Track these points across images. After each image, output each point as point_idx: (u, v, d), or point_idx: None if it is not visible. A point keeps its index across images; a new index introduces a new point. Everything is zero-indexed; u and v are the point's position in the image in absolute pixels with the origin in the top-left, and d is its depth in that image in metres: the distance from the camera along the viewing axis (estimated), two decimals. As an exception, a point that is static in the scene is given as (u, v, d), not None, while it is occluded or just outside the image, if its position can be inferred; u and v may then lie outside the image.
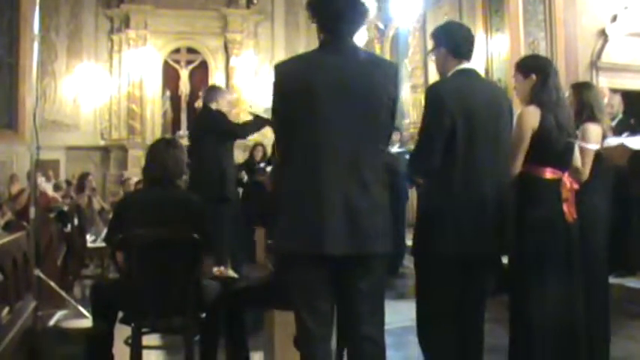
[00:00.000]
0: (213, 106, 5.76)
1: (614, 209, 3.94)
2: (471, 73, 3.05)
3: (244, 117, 12.91)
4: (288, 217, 2.45)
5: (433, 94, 2.95)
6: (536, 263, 3.11)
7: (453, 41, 3.05)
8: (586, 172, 3.59)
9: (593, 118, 3.70)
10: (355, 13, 2.51)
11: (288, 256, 2.49)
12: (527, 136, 3.14)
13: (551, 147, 3.15)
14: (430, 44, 3.21)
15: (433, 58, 3.14)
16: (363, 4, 2.55)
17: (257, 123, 5.70)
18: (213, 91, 6.01)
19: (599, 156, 3.67)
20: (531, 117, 3.14)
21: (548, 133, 3.13)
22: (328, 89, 2.40)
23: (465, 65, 3.02)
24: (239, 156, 9.79)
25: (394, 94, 2.51)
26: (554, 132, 3.13)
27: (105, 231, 7.60)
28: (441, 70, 3.09)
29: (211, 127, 5.63)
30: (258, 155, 8.88)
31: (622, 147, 3.98)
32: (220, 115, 5.73)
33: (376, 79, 2.47)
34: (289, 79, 2.48)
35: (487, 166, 2.90)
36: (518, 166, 3.18)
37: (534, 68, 3.29)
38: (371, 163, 2.44)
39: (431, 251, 2.91)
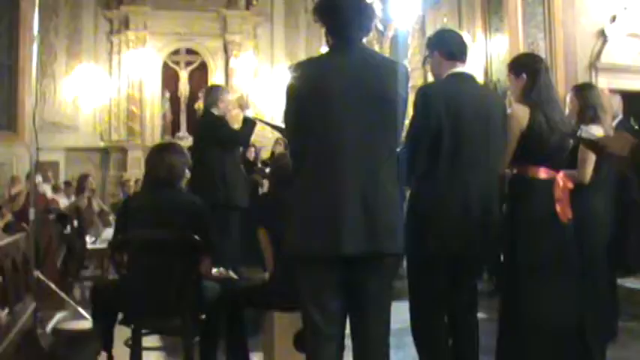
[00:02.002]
0: (215, 110, 5.65)
1: (616, 209, 3.93)
2: (464, 76, 3.09)
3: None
4: (304, 218, 2.47)
5: (421, 95, 3.00)
6: (528, 263, 3.11)
7: (446, 44, 3.12)
8: (587, 174, 3.58)
9: (596, 118, 3.69)
10: (363, 17, 2.54)
11: (302, 257, 2.49)
12: (515, 137, 3.15)
13: (542, 146, 3.15)
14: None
15: (428, 67, 3.19)
16: (371, 8, 2.59)
17: (248, 125, 5.65)
18: (213, 92, 5.86)
19: (601, 154, 3.65)
20: (519, 117, 3.15)
21: (538, 133, 3.13)
22: (341, 91, 2.43)
23: (460, 69, 3.08)
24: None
25: (405, 95, 2.55)
26: (545, 131, 3.13)
27: (104, 232, 7.65)
28: (436, 74, 3.15)
29: (215, 137, 5.53)
30: (251, 156, 8.89)
31: (624, 136, 3.93)
32: (220, 123, 5.62)
33: (387, 81, 2.50)
34: (303, 82, 2.51)
35: (474, 167, 2.94)
36: (504, 165, 3.20)
37: (524, 67, 3.30)
38: (385, 163, 2.48)
39: (418, 251, 2.94)
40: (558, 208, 3.17)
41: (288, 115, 2.57)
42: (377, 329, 2.52)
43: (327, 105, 2.43)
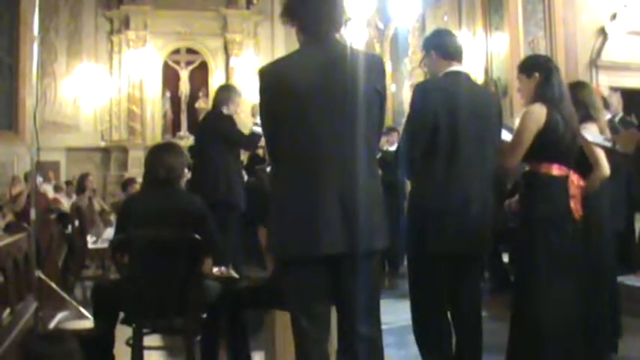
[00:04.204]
0: (225, 110, 5.61)
1: (625, 206, 3.91)
2: (460, 75, 3.12)
3: (245, 117, 12.92)
4: (283, 220, 2.43)
5: (418, 92, 3.03)
6: (544, 260, 3.11)
7: (441, 44, 3.16)
8: (604, 167, 3.56)
9: (589, 117, 3.69)
10: (335, 12, 2.50)
11: (284, 259, 2.48)
12: (531, 134, 3.14)
13: (558, 143, 3.16)
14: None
15: (426, 69, 3.21)
16: (341, 2, 2.56)
17: (255, 135, 5.64)
18: (227, 92, 5.81)
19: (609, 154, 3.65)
20: (537, 115, 3.15)
21: (555, 130, 3.13)
22: (314, 89, 2.38)
23: (456, 67, 3.10)
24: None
25: (381, 87, 2.50)
26: (561, 128, 3.14)
27: (105, 232, 7.65)
28: (433, 73, 3.18)
29: (219, 133, 5.50)
30: (261, 153, 8.91)
31: (633, 133, 3.91)
32: (229, 123, 5.59)
33: (362, 75, 2.43)
34: (274, 82, 2.45)
35: (471, 165, 2.95)
36: (514, 162, 3.20)
37: (537, 67, 3.31)
38: (364, 159, 2.43)
39: (418, 249, 2.94)
40: (573, 204, 3.18)
41: (263, 117, 2.54)
42: (366, 329, 2.48)
43: (300, 104, 2.39)
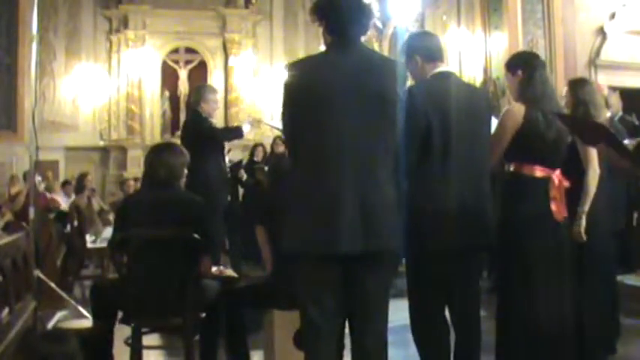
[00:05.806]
0: (202, 107, 5.73)
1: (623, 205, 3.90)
2: (447, 75, 3.12)
3: (243, 117, 12.94)
4: (301, 218, 2.47)
5: (408, 95, 2.99)
6: (523, 262, 3.10)
7: (424, 47, 3.14)
8: (594, 169, 3.55)
9: (587, 115, 3.66)
10: (363, 15, 2.56)
11: (300, 255, 2.50)
12: (508, 134, 3.14)
13: (538, 144, 3.14)
14: None
15: (410, 75, 3.19)
16: (369, 6, 2.60)
17: (233, 129, 6.06)
18: (198, 91, 6.00)
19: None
20: (514, 115, 3.14)
21: (534, 130, 3.11)
22: (339, 90, 2.44)
23: (442, 68, 3.11)
24: (239, 156, 9.80)
25: (402, 92, 2.56)
26: (542, 127, 3.12)
27: (104, 231, 7.64)
28: (419, 77, 3.15)
29: (194, 132, 5.66)
30: (259, 155, 8.93)
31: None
32: (202, 120, 5.72)
33: (386, 80, 2.51)
34: (299, 81, 2.52)
35: (464, 164, 2.96)
36: (493, 161, 3.19)
37: (520, 64, 3.31)
38: (383, 161, 2.48)
39: (416, 248, 2.95)
40: (554, 206, 3.16)
41: (285, 114, 2.58)
42: (375, 327, 2.53)
43: (324, 104, 2.44)
